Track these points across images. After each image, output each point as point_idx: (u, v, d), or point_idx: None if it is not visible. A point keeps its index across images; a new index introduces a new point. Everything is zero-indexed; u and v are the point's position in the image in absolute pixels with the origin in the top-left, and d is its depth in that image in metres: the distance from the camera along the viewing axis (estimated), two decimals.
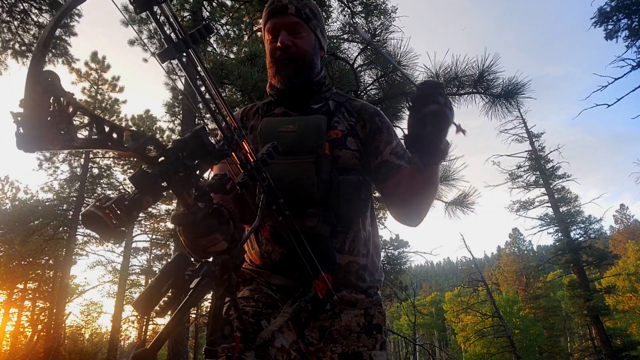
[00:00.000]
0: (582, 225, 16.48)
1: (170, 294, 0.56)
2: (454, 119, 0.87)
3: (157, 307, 0.55)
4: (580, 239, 16.04)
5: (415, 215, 1.16)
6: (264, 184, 0.81)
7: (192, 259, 0.62)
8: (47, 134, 0.45)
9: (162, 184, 0.54)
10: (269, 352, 0.95)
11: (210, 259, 0.66)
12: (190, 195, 0.60)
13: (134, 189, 0.53)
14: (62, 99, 0.48)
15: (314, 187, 1.04)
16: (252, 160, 0.74)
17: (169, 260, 0.59)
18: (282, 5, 1.18)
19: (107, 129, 0.53)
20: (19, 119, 0.44)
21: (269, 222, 1.06)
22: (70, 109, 0.49)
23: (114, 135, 0.54)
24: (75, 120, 0.50)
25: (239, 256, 0.67)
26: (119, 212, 0.48)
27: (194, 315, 13.09)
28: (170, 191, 0.58)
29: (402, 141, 1.23)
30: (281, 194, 0.88)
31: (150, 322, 18.94)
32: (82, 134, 0.51)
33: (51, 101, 0.47)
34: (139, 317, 18.93)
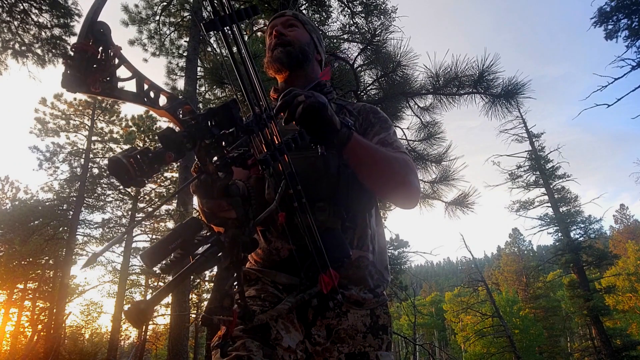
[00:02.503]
0: (582, 225, 16.50)
1: (177, 254, 0.57)
2: (320, 100, 0.90)
3: (162, 264, 0.56)
4: (580, 239, 16.04)
5: (385, 194, 1.16)
6: (286, 170, 0.82)
7: (205, 229, 0.64)
8: (90, 78, 0.49)
9: (187, 145, 0.57)
10: (277, 351, 0.95)
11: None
12: (212, 163, 0.62)
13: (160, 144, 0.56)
14: (110, 50, 0.52)
15: (322, 181, 1.06)
16: (276, 141, 0.76)
17: (183, 221, 0.60)
18: (282, 13, 1.32)
19: (145, 86, 0.57)
20: (69, 61, 0.48)
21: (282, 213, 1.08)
22: (116, 61, 0.53)
23: (151, 94, 0.57)
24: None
25: (250, 234, 0.68)
26: (142, 162, 0.49)
27: (194, 316, 13.08)
28: (195, 155, 0.61)
29: (395, 137, 1.26)
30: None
31: (151, 322, 18.94)
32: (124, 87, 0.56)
33: (100, 50, 0.51)
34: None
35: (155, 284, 18.63)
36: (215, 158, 0.63)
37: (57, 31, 8.68)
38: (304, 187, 1.03)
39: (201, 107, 10.21)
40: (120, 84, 0.54)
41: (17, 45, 8.51)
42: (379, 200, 1.27)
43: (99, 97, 0.50)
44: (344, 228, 1.11)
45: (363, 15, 5.42)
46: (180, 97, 0.62)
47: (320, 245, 0.95)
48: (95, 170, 17.84)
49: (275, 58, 1.24)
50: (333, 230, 1.04)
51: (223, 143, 0.63)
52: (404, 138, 5.06)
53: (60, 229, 16.53)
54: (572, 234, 16.17)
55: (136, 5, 10.40)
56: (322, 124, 0.91)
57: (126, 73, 0.56)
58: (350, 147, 0.98)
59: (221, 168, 0.63)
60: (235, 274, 0.67)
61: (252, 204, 0.70)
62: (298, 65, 1.25)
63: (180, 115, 0.62)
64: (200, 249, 0.61)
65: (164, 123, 15.30)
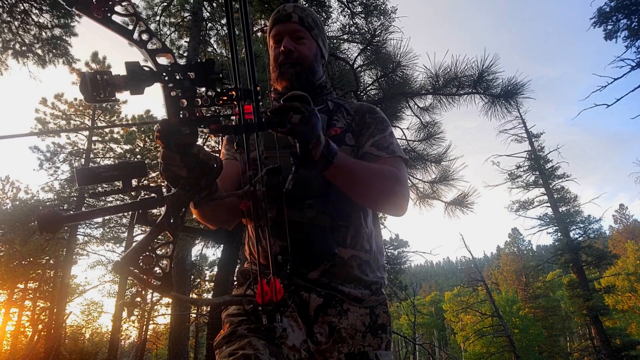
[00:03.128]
0: (582, 225, 16.53)
1: (111, 185, 0.59)
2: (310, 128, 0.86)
3: (94, 187, 0.59)
4: (580, 238, 16.07)
5: (371, 207, 1.18)
6: (253, 148, 0.79)
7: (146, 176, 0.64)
8: (97, 4, 0.56)
9: (147, 81, 0.58)
10: (282, 350, 0.96)
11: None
12: (176, 116, 0.62)
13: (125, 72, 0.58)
14: None
15: (313, 179, 1.07)
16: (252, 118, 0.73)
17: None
18: (286, 14, 1.25)
19: (140, 28, 0.60)
20: None
21: (270, 214, 1.07)
22: None
23: (143, 37, 0.61)
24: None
25: (193, 200, 0.67)
26: (100, 82, 0.55)
27: (194, 315, 13.09)
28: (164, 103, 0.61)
29: (390, 138, 1.25)
30: (282, 186, 0.90)
31: (151, 322, 18.96)
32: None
33: None
34: (139, 317, 18.93)
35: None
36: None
37: (57, 31, 8.69)
38: (295, 185, 1.05)
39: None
40: (119, 20, 0.58)
41: (17, 46, 8.51)
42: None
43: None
44: (337, 226, 1.12)
45: (363, 15, 5.43)
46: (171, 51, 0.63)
47: (288, 243, 0.96)
48: None
49: (284, 77, 1.22)
50: (320, 227, 1.06)
51: (199, 102, 0.63)
52: (404, 138, 5.08)
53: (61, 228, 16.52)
54: (571, 234, 16.20)
55: (136, 6, 10.40)
56: (302, 151, 0.89)
57: (127, 13, 0.60)
58: (328, 174, 0.98)
59: (184, 123, 0.63)
60: (172, 238, 0.64)
61: (212, 176, 0.68)
62: (307, 84, 1.24)
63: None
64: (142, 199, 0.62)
65: None
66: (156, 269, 0.61)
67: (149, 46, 0.62)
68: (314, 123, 0.86)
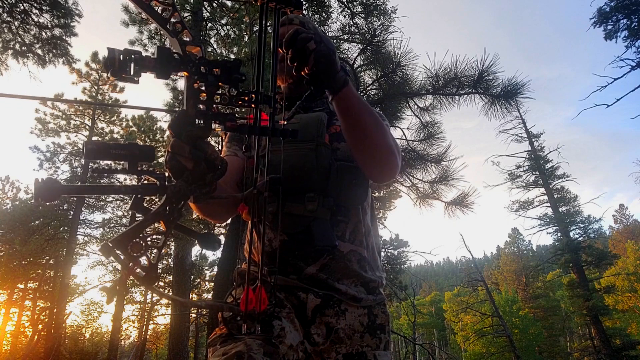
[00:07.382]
0: (582, 225, 16.56)
1: (114, 164, 0.58)
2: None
3: (98, 163, 0.60)
4: (580, 238, 16.09)
5: (367, 154, 1.12)
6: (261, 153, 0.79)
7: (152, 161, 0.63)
8: None
9: (174, 64, 0.60)
10: (279, 350, 0.96)
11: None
12: (194, 108, 0.62)
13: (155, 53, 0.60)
14: None
15: (313, 171, 1.08)
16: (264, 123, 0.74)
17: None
18: (288, 19, 1.30)
19: (173, 19, 0.62)
20: None
21: (270, 208, 1.08)
22: None
23: (176, 27, 0.63)
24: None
25: (194, 194, 0.65)
26: (127, 60, 0.55)
27: (194, 315, 13.09)
28: (185, 91, 0.63)
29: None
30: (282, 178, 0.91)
31: (151, 322, 18.96)
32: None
33: None
34: (139, 317, 18.94)
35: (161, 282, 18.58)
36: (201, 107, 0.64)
37: (57, 31, 8.68)
38: (295, 178, 1.07)
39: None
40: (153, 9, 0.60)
41: (17, 46, 8.50)
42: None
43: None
44: (336, 221, 1.13)
45: (363, 15, 5.43)
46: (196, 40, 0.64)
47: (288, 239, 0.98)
48: None
49: (282, 72, 1.26)
50: (321, 220, 1.07)
51: (218, 99, 0.63)
52: (404, 138, 5.08)
53: (61, 228, 16.53)
54: (571, 234, 16.22)
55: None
56: (330, 69, 0.92)
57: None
58: (340, 97, 0.98)
59: (200, 115, 0.63)
60: (165, 229, 0.62)
61: (217, 175, 0.67)
62: None
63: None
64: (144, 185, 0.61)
65: (164, 123, 15.29)
66: (143, 258, 0.59)
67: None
68: (326, 39, 0.87)
